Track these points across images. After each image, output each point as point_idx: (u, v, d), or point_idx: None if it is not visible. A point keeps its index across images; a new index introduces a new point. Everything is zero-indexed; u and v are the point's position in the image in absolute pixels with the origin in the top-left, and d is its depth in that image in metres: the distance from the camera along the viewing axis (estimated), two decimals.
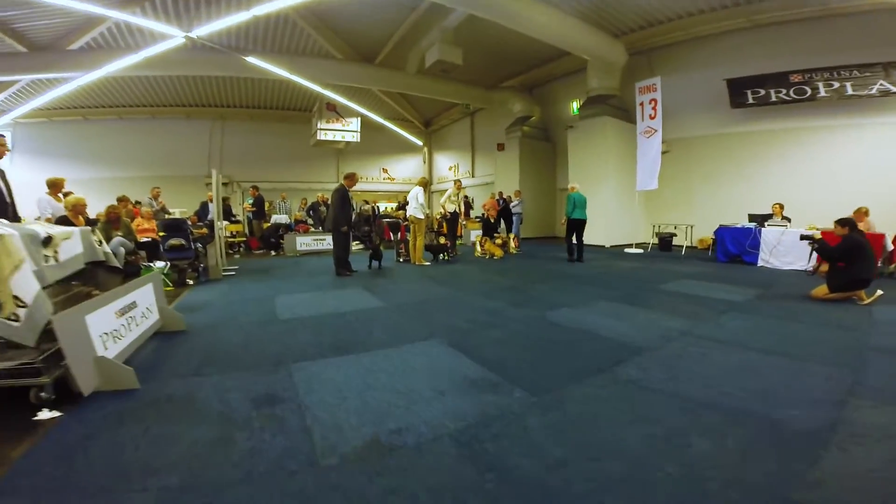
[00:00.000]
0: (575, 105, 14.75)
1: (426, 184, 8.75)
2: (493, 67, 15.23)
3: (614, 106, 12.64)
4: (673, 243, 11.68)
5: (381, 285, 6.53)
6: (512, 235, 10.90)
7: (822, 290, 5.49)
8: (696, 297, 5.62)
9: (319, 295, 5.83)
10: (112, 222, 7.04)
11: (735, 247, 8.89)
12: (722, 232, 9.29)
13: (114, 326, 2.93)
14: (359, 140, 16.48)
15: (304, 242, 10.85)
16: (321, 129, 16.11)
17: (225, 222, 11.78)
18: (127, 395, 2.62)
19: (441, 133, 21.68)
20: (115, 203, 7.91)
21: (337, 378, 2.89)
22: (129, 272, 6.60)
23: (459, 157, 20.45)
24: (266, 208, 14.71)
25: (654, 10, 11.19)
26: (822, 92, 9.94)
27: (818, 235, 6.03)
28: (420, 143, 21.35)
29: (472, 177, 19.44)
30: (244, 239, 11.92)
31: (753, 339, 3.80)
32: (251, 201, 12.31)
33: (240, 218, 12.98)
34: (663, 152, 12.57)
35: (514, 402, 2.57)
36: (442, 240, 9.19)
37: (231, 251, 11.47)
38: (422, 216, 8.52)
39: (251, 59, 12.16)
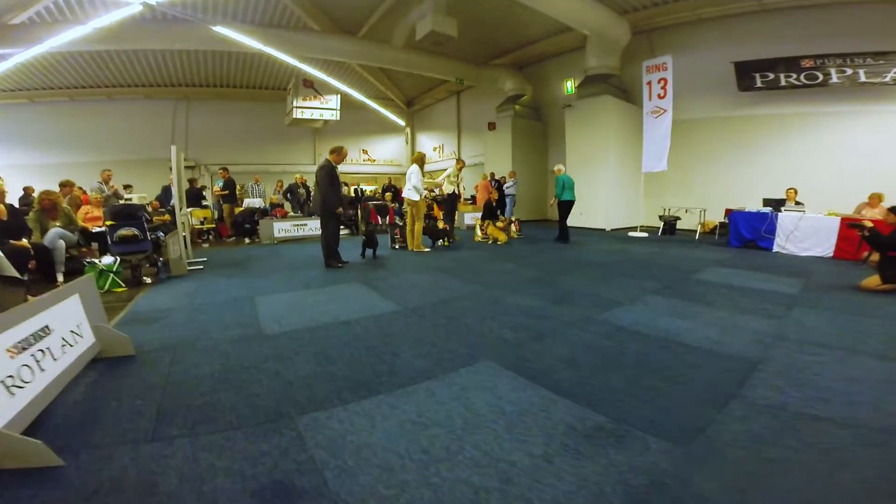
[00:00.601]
0: (569, 84, 13.82)
1: (423, 160, 7.68)
2: (483, 44, 14.11)
3: (614, 86, 11.81)
4: (677, 227, 11.16)
5: (384, 279, 5.47)
6: (514, 219, 9.97)
7: (873, 280, 5.03)
8: (744, 288, 4.98)
9: (311, 295, 4.73)
10: (47, 211, 5.73)
11: (749, 232, 8.45)
12: (736, 216, 8.83)
13: (5, 372, 1.82)
14: (338, 119, 15.05)
15: (282, 228, 9.55)
16: (297, 108, 14.60)
17: (191, 209, 10.43)
18: (40, 480, 1.57)
19: (424, 113, 20.39)
20: (57, 189, 6.58)
21: (374, 442, 1.89)
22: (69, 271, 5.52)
23: (444, 138, 19.29)
24: (238, 192, 13.29)
25: None
26: (835, 78, 9.52)
27: (869, 223, 5.45)
28: (402, 122, 20.04)
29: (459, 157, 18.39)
30: (213, 226, 10.54)
31: (854, 340, 3.25)
32: (221, 184, 10.88)
33: (209, 203, 11.55)
34: None
35: (659, 459, 1.74)
36: (440, 224, 8.16)
37: (199, 240, 10.12)
38: (418, 197, 7.49)
39: (219, 30, 10.61)
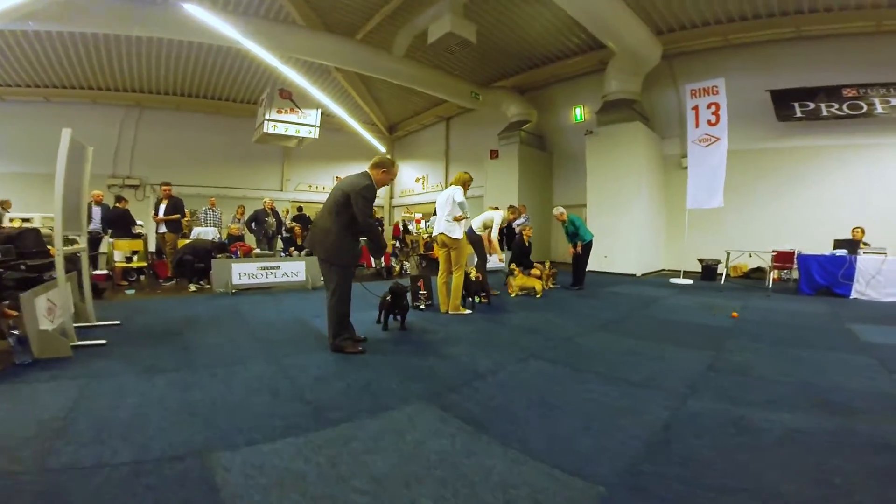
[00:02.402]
0: (578, 112, 12.16)
1: (468, 184, 5.24)
2: (487, 63, 12.24)
3: (638, 112, 10.13)
4: (718, 271, 9.34)
5: (469, 387, 2.80)
6: (547, 265, 7.63)
7: None
8: None
9: (345, 455, 1.93)
10: None
11: (824, 277, 7.18)
12: (808, 260, 7.41)
13: None
14: (316, 137, 12.37)
15: (243, 272, 6.47)
16: (270, 121, 11.73)
17: (114, 238, 7.32)
18: None
19: (408, 140, 18.11)
20: None
21: None
22: None
23: (430, 167, 17.01)
24: (187, 218, 10.18)
25: (697, 9, 9.28)
26: (879, 108, 8.46)
27: None
28: (383, 149, 17.61)
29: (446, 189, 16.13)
30: (145, 264, 7.44)
31: None
32: (158, 208, 7.82)
33: (142, 230, 8.41)
34: (686, 167, 10.40)
35: None
36: (473, 273, 5.63)
37: (124, 282, 7.00)
38: (461, 234, 5.04)
39: (190, 8, 7.88)
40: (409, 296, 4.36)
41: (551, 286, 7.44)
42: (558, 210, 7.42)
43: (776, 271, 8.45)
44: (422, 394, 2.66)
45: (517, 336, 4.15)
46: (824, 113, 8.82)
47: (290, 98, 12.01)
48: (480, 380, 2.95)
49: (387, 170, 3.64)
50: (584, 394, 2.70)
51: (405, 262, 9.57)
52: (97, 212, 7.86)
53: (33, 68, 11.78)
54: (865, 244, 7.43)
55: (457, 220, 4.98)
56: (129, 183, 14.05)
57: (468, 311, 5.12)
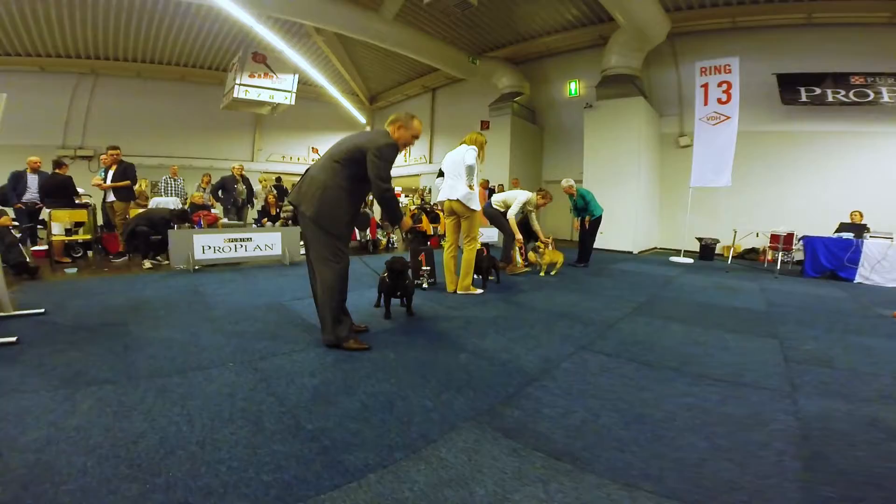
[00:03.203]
0: (573, 86, 11.35)
1: (483, 146, 4.34)
2: (480, 31, 11.16)
3: (639, 88, 9.42)
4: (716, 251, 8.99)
5: (542, 403, 1.98)
6: (551, 238, 6.87)
7: None
8: None
9: None
10: None
11: (829, 260, 6.81)
12: (814, 242, 7.01)
13: None
14: (292, 103, 11.04)
15: (208, 245, 5.27)
16: (241, 85, 10.30)
17: (52, 208, 6.05)
18: None
19: (389, 111, 16.59)
20: None
21: None
22: None
23: None
24: (143, 187, 8.80)
25: None
26: (886, 97, 8.16)
27: None
28: (364, 120, 16.30)
29: (430, 163, 15.05)
30: (90, 237, 6.17)
31: None
32: (103, 173, 6.53)
33: (89, 199, 7.08)
34: (685, 146, 9.90)
35: None
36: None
37: (65, 260, 5.76)
38: (478, 205, 4.18)
39: None
40: (410, 274, 3.47)
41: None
42: (567, 182, 6.67)
43: (772, 252, 8.18)
44: (468, 411, 1.85)
45: (549, 322, 3.38)
46: (830, 99, 8.44)
47: (264, 62, 10.63)
48: (536, 385, 2.17)
49: (403, 124, 2.72)
50: (679, 398, 2.07)
51: (392, 236, 8.64)
52: (33, 180, 6.56)
53: None
54: (867, 228, 7.15)
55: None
56: (81, 154, 12.62)
57: (480, 291, 4.31)
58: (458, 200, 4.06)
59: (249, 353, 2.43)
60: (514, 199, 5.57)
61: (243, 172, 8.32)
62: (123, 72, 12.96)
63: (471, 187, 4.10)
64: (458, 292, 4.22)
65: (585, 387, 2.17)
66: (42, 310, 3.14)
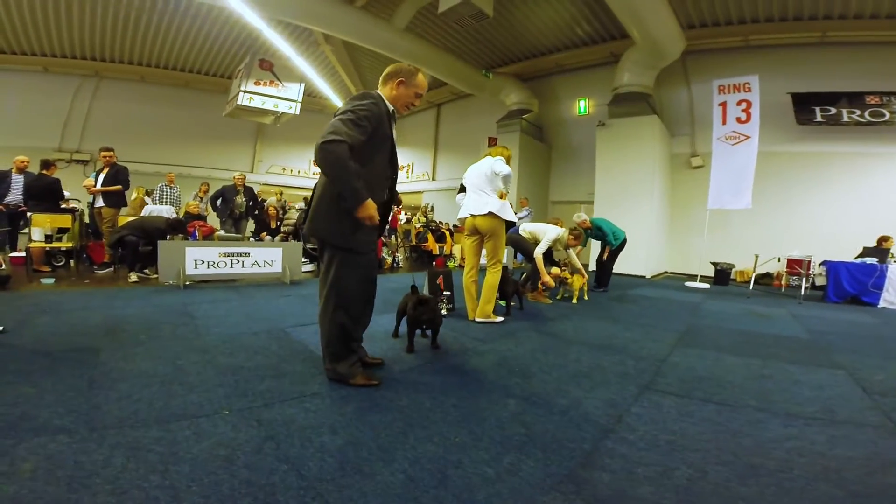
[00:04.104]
0: (582, 104, 11.16)
1: (510, 160, 3.92)
2: (489, 46, 11.00)
3: (651, 106, 9.20)
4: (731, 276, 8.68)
5: (629, 461, 1.53)
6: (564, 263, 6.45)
7: None
8: None
9: None
10: None
11: (853, 285, 6.57)
12: (837, 267, 6.77)
13: None
14: (297, 113, 10.69)
15: (201, 259, 4.75)
16: (245, 92, 9.98)
17: (34, 213, 5.55)
18: None
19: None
20: None
21: None
22: None
23: (416, 155, 15.54)
24: (141, 195, 8.27)
25: (725, 8, 8.54)
26: None
27: None
28: None
29: (433, 180, 14.73)
30: (72, 245, 5.61)
31: None
32: (94, 176, 6.04)
33: (77, 204, 6.57)
34: (697, 167, 9.66)
35: None
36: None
37: (43, 270, 5.21)
38: (513, 217, 3.77)
39: None
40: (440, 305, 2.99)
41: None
42: (579, 217, 6.13)
43: (787, 277, 7.87)
44: (543, 479, 1.39)
45: (595, 356, 2.92)
46: (845, 119, 8.27)
47: (270, 69, 10.36)
48: (614, 437, 1.73)
49: (404, 80, 2.13)
50: (783, 443, 1.76)
51: (396, 255, 8.18)
52: (18, 180, 6.06)
53: None
54: (893, 254, 6.85)
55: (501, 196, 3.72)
56: (77, 157, 12.23)
57: (501, 319, 3.83)
58: (488, 214, 3.62)
59: (249, 396, 1.92)
60: (544, 234, 5.12)
61: (244, 182, 7.86)
62: (127, 75, 12.69)
63: (502, 195, 3.70)
64: (477, 320, 3.74)
65: (672, 437, 1.76)
66: (0, 328, 2.62)
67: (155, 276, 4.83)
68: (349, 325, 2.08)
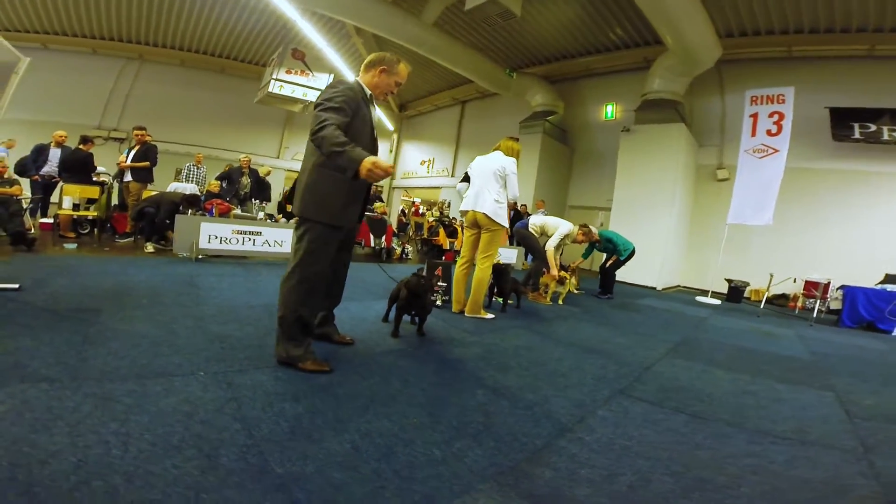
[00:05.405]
0: (609, 109, 10.97)
1: (519, 156, 3.92)
2: (517, 47, 10.99)
3: (681, 114, 8.96)
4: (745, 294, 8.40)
5: (578, 462, 1.56)
6: (573, 266, 6.39)
7: None
8: None
9: None
10: None
11: (869, 312, 6.32)
12: (855, 293, 6.52)
13: None
14: None
15: (214, 234, 4.94)
16: (276, 80, 10.29)
17: (67, 183, 5.89)
18: None
19: (418, 120, 16.66)
20: None
21: None
22: None
23: (437, 151, 15.60)
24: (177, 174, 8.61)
25: (767, 16, 8.25)
26: None
27: None
28: (391, 126, 16.20)
29: (452, 176, 14.75)
30: (97, 214, 5.92)
31: None
32: (129, 153, 6.35)
33: (107, 178, 6.93)
34: (722, 179, 9.36)
35: None
36: (499, 261, 4.37)
37: (67, 235, 5.53)
38: (505, 223, 3.74)
39: None
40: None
41: (576, 292, 6.25)
42: (589, 227, 6.05)
43: (804, 299, 7.60)
44: (487, 468, 1.41)
45: (579, 358, 2.91)
46: (885, 137, 7.82)
47: (302, 59, 10.61)
48: (570, 436, 1.73)
49: (386, 68, 2.18)
50: (741, 459, 1.72)
51: (407, 246, 8.26)
52: (55, 154, 6.49)
53: (27, 14, 10.79)
54: None
55: (510, 207, 3.75)
56: (114, 136, 12.88)
57: (491, 316, 3.81)
58: (484, 214, 3.64)
59: (228, 361, 2.02)
60: (556, 229, 5.10)
61: (250, 164, 8.15)
62: (168, 59, 13.34)
63: (513, 203, 3.72)
64: (466, 314, 3.75)
65: (630, 442, 1.75)
66: (17, 285, 2.82)
67: (168, 247, 5.06)
68: (306, 306, 2.06)
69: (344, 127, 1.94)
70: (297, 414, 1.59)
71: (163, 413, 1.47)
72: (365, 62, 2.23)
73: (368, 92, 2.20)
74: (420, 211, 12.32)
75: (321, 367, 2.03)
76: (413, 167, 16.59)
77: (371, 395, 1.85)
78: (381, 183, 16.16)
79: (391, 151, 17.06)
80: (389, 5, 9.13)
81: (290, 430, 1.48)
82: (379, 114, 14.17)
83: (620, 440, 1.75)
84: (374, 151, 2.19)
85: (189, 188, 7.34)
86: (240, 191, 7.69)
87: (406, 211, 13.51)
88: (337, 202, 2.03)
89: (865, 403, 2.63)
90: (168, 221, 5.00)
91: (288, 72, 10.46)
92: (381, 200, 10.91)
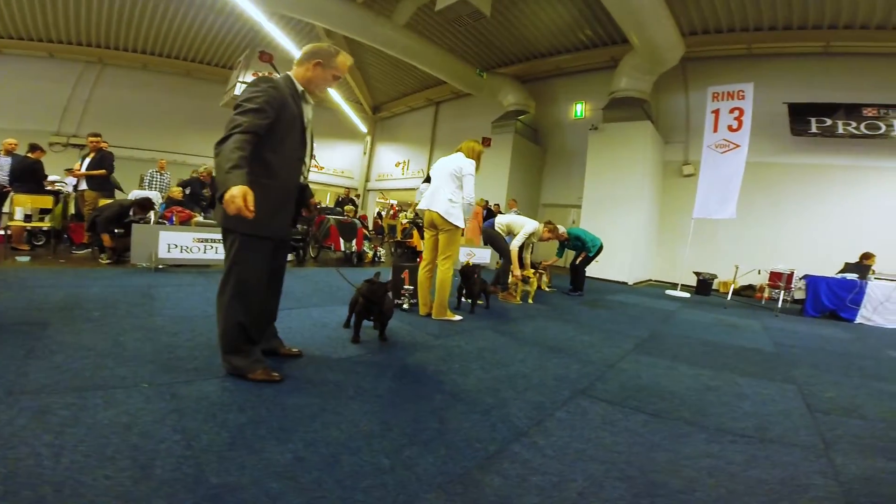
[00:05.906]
0: (579, 108, 11.17)
1: (480, 157, 3.97)
2: (489, 46, 11.07)
3: (647, 112, 9.21)
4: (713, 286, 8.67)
5: (531, 468, 1.54)
6: (544, 263, 6.48)
7: None
8: None
9: None
10: None
11: (831, 300, 6.65)
12: (817, 282, 6.82)
13: None
14: None
15: (174, 243, 4.77)
16: (243, 83, 10.09)
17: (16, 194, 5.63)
18: None
19: (392, 122, 16.58)
20: None
21: None
22: None
23: (412, 153, 15.55)
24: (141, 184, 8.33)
25: (728, 14, 8.58)
26: None
27: None
28: (365, 129, 16.07)
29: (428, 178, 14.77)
30: (51, 225, 5.68)
31: None
32: (81, 160, 6.10)
33: (62, 186, 6.64)
34: (687, 175, 9.66)
35: None
36: (468, 262, 4.40)
37: (20, 248, 5.28)
38: (459, 223, 3.70)
39: None
40: (390, 295, 2.99)
41: (548, 290, 6.35)
42: (559, 229, 6.12)
43: (770, 290, 7.97)
44: (435, 476, 1.40)
45: (543, 358, 2.95)
46: (840, 130, 8.23)
47: (270, 62, 10.40)
48: (525, 441, 1.73)
49: (322, 61, 2.05)
50: (698, 460, 1.72)
51: (379, 249, 8.21)
52: (6, 162, 6.17)
53: None
54: (873, 271, 6.90)
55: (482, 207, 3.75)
56: (73, 142, 12.47)
57: (458, 318, 3.80)
58: (439, 213, 3.64)
59: (175, 372, 1.97)
60: (521, 227, 5.14)
61: (211, 176, 8.00)
62: (130, 62, 12.95)
63: (470, 204, 3.70)
64: (433, 317, 3.74)
65: (585, 445, 1.74)
66: None
67: (126, 259, 4.87)
68: (246, 316, 1.96)
69: (264, 128, 1.85)
70: (240, 424, 1.56)
71: (100, 425, 1.43)
72: (300, 54, 2.10)
73: (300, 88, 2.07)
74: (397, 213, 12.29)
75: (270, 377, 1.98)
76: (388, 169, 16.51)
77: (322, 404, 1.82)
78: (355, 186, 16.10)
79: (365, 154, 16.93)
80: (359, 6, 9.08)
81: (231, 440, 1.45)
82: (350, 114, 14.11)
83: (576, 443, 1.74)
84: (305, 152, 2.13)
85: (151, 195, 7.12)
86: (200, 201, 7.51)
87: (382, 214, 13.45)
88: (262, 210, 1.76)
89: (826, 396, 2.70)
90: (114, 229, 4.79)
91: (255, 74, 10.24)
92: (355, 205, 10.81)
